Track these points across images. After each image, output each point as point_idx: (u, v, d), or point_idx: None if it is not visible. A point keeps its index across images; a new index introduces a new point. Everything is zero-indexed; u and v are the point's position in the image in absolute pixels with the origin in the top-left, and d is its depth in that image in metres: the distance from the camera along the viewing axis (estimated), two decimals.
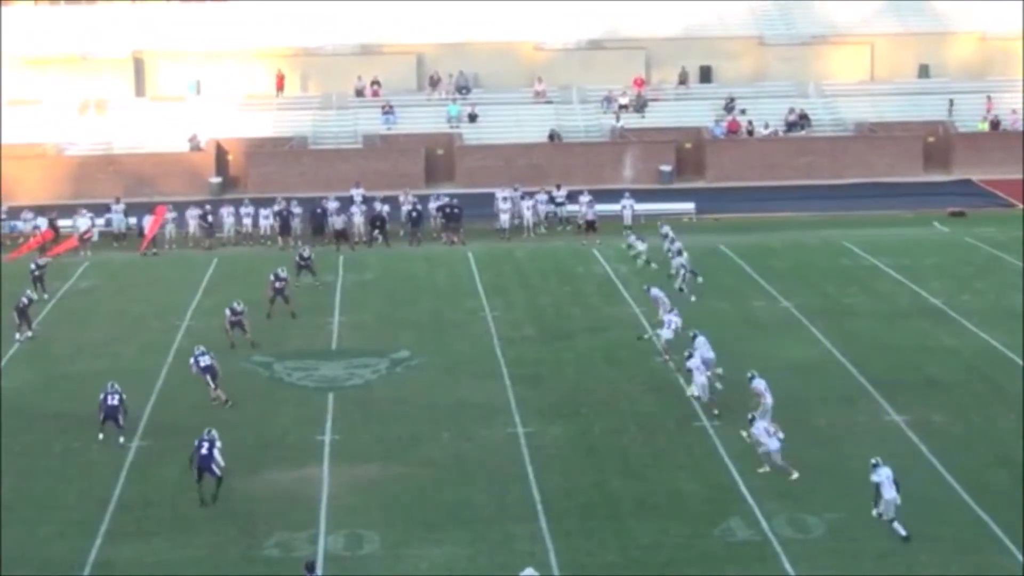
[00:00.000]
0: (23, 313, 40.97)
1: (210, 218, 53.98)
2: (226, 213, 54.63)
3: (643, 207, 55.38)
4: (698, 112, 65.16)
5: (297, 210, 54.34)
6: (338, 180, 58.59)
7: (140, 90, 66.50)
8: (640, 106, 64.93)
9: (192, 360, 35.29)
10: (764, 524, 27.59)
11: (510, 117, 64.79)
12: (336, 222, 52.99)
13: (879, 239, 52.33)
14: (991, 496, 28.55)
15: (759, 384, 32.23)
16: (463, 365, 38.23)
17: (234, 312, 39.54)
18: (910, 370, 37.00)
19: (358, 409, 34.79)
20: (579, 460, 31.18)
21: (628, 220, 54.37)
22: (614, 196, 55.74)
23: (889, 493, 26.89)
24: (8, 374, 37.90)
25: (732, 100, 64.69)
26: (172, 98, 65.49)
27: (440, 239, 53.89)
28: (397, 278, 48.33)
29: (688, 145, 63.09)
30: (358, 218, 54.21)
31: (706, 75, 67.91)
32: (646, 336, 38.70)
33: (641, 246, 48.86)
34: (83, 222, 53.27)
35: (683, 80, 66.91)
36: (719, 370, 35.29)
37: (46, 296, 45.14)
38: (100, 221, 54.76)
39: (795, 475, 29.53)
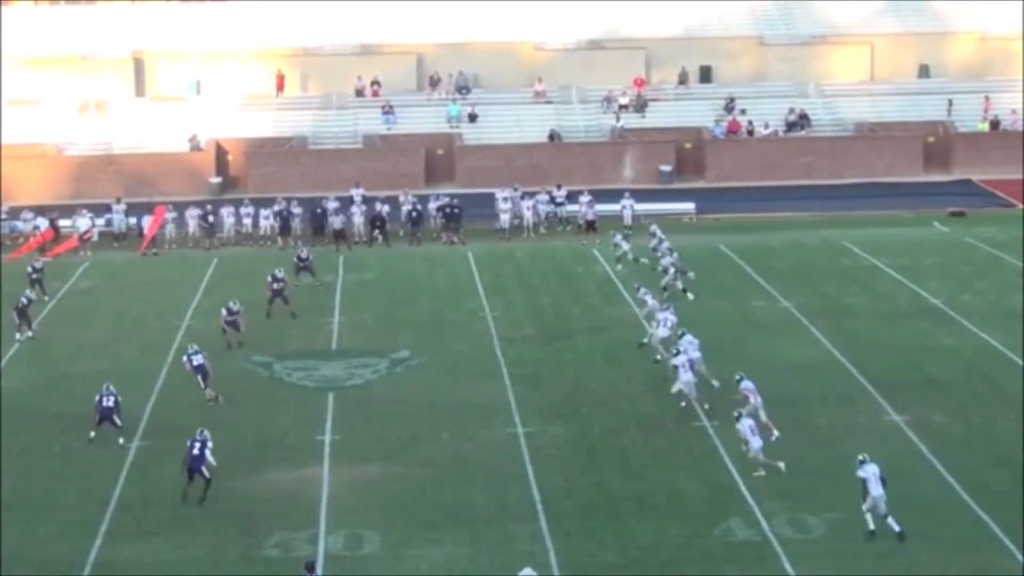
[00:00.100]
0: (22, 313, 40.97)
1: (211, 218, 53.99)
2: (226, 213, 54.65)
3: (643, 207, 55.39)
4: (698, 112, 65.15)
5: (297, 210, 54.35)
6: (338, 180, 58.59)
7: (140, 90, 66.48)
8: (640, 106, 64.92)
9: (185, 358, 35.39)
10: (764, 524, 27.57)
11: (510, 117, 64.78)
12: (335, 222, 53.01)
13: (879, 239, 52.34)
14: (991, 496, 28.53)
15: (747, 385, 32.31)
16: (463, 365, 38.23)
17: (230, 312, 39.57)
18: (910, 370, 37.00)
19: (358, 409, 34.80)
20: (579, 460, 31.18)
21: (628, 220, 54.38)
22: (614, 196, 55.75)
23: (876, 490, 26.85)
24: (8, 374, 37.91)
25: (732, 100, 64.68)
26: (172, 98, 65.46)
27: (440, 239, 53.90)
28: (397, 278, 48.34)
29: (688, 145, 63.08)
30: (358, 218, 54.23)
31: (706, 75, 67.89)
32: (645, 340, 38.48)
33: (625, 245, 48.87)
34: (83, 222, 53.29)
35: (683, 80, 66.90)
36: (715, 382, 35.14)
37: (46, 298, 45.13)
38: (100, 221, 54.78)
39: (781, 464, 29.56)
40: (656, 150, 62.37)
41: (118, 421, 32.16)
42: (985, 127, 64.07)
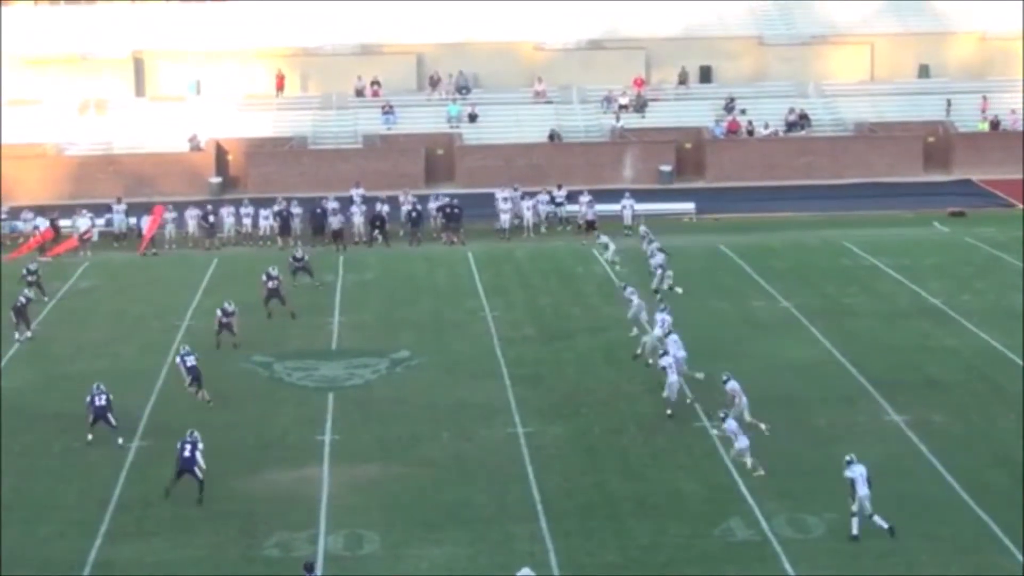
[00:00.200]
0: (20, 313, 40.95)
1: (211, 218, 53.97)
2: (226, 213, 54.63)
3: (643, 207, 55.36)
4: (698, 112, 65.14)
5: (297, 210, 54.35)
6: (338, 180, 58.58)
7: (140, 90, 66.47)
8: (640, 106, 64.91)
9: (178, 359, 35.41)
10: (764, 524, 27.59)
11: (510, 117, 64.77)
12: (333, 222, 53.01)
13: (879, 239, 52.33)
14: (991, 496, 28.55)
15: (733, 386, 32.35)
16: (463, 365, 38.23)
17: (225, 313, 39.53)
18: (910, 370, 37.01)
19: (358, 409, 34.80)
20: (579, 460, 31.18)
21: (628, 220, 54.40)
22: (614, 196, 55.76)
23: (862, 490, 26.88)
24: (8, 374, 37.91)
25: (732, 100, 64.67)
26: (172, 98, 65.44)
27: (440, 239, 53.89)
28: (397, 278, 48.33)
29: (688, 145, 63.07)
30: (358, 218, 54.23)
31: (706, 75, 67.88)
32: (639, 352, 38.13)
33: (612, 246, 48.85)
34: (83, 222, 53.27)
35: (683, 80, 66.89)
36: (699, 374, 35.19)
37: (46, 298, 45.11)
38: (100, 221, 54.76)
39: (761, 472, 29.56)
40: (656, 150, 62.36)
41: (112, 420, 32.12)
42: (985, 127, 64.07)
